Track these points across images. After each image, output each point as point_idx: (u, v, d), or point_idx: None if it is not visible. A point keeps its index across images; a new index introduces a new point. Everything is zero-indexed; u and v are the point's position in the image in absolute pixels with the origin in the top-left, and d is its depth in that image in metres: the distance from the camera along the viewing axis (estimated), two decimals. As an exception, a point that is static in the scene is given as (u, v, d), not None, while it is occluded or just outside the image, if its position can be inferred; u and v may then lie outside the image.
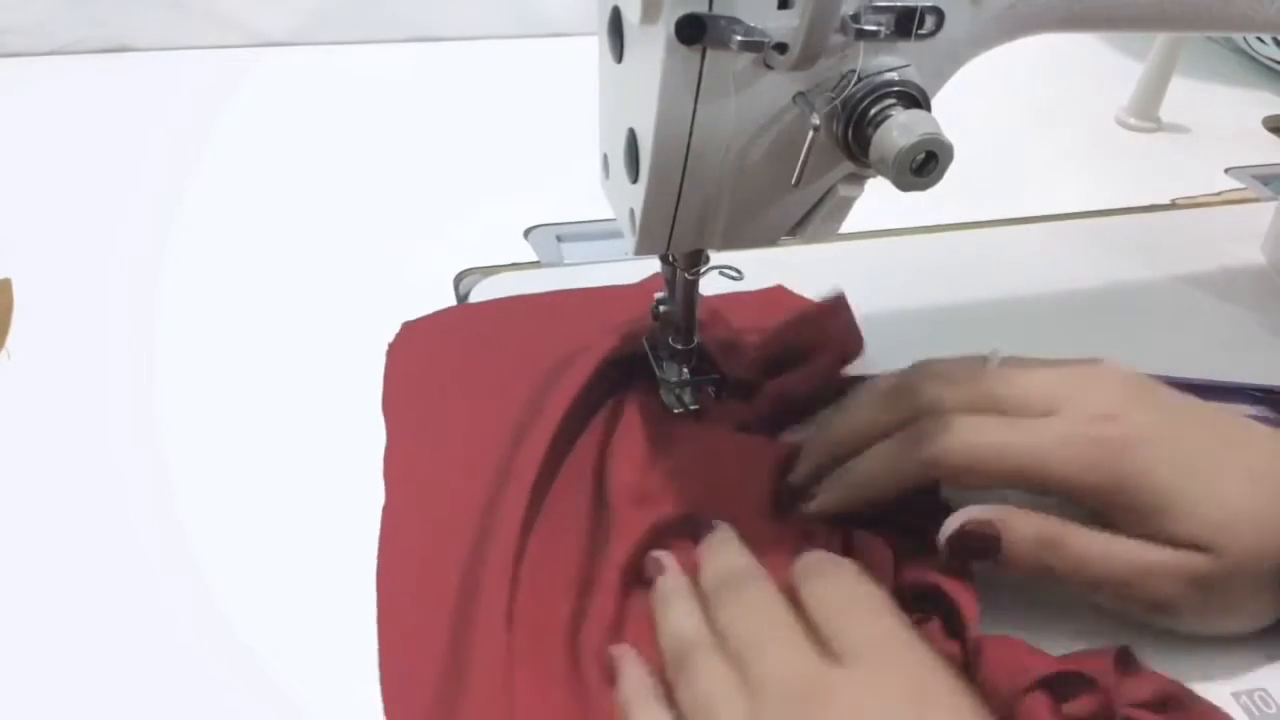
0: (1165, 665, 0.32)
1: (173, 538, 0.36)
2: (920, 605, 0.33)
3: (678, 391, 0.41)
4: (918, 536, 0.34)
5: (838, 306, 0.43)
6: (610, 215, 0.36)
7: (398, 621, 0.33)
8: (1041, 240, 0.55)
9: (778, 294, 0.47)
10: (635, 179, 0.32)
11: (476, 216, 0.54)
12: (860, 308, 0.45)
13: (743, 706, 0.28)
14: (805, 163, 0.29)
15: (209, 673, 0.32)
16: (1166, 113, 0.68)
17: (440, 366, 0.43)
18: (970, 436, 0.33)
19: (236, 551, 0.36)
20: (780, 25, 0.27)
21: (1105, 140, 0.67)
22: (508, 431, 0.39)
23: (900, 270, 0.52)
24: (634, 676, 0.31)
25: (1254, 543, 0.31)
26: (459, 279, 0.49)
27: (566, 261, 0.52)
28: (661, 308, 0.40)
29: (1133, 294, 0.52)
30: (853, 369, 0.43)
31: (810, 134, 0.29)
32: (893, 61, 0.29)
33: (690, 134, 0.30)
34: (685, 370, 0.41)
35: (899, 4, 0.29)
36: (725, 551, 0.34)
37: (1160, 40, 0.65)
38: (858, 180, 0.33)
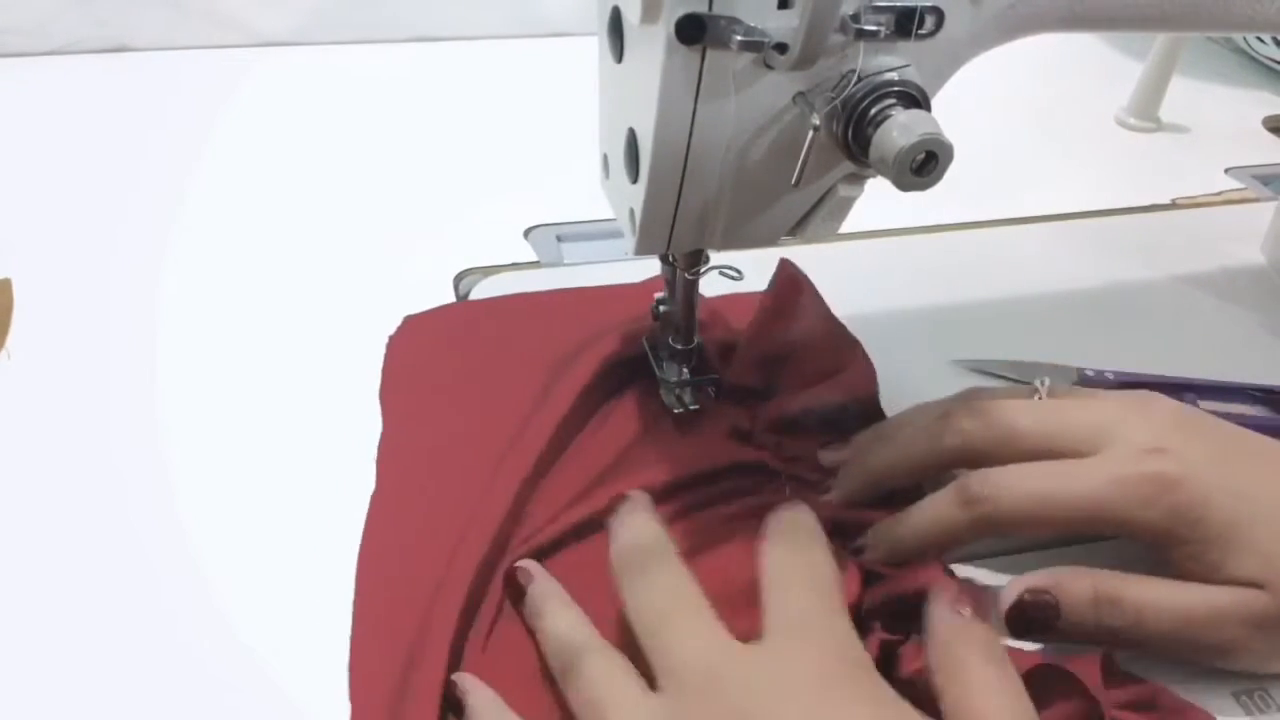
0: (1165, 664, 0.32)
1: (173, 537, 0.36)
2: (899, 624, 0.32)
3: (678, 391, 0.40)
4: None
5: (851, 342, 0.42)
6: (610, 215, 0.36)
7: (372, 610, 0.33)
8: (1041, 240, 0.55)
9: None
10: (635, 179, 0.32)
11: (476, 216, 0.54)
12: (860, 308, 0.45)
13: (636, 698, 0.27)
14: (805, 163, 0.29)
15: (209, 673, 0.32)
16: (1166, 113, 0.68)
17: (439, 361, 0.43)
18: (1023, 488, 0.32)
19: (237, 551, 0.36)
20: (780, 25, 0.27)
21: (1105, 140, 0.67)
22: (504, 429, 0.39)
23: (900, 270, 0.52)
24: (482, 700, 0.30)
25: None
26: (459, 279, 0.49)
27: (566, 261, 0.52)
28: (661, 308, 0.40)
29: (1133, 294, 0.52)
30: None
31: (810, 134, 0.29)
32: (893, 61, 0.29)
33: (690, 134, 0.30)
34: (685, 370, 0.41)
35: (899, 4, 0.29)
36: (633, 524, 0.32)
37: (1160, 40, 0.65)
38: (858, 180, 0.33)
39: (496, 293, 0.48)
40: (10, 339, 0.44)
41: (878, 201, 0.36)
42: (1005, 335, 0.47)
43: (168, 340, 0.45)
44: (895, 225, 0.54)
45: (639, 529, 0.32)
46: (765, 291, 0.42)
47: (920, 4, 0.29)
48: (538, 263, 0.51)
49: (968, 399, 0.36)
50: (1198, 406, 0.43)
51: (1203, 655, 0.32)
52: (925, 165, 0.28)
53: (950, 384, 0.38)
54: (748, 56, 0.28)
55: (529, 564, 0.34)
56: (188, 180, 0.56)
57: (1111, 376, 0.44)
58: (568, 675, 0.30)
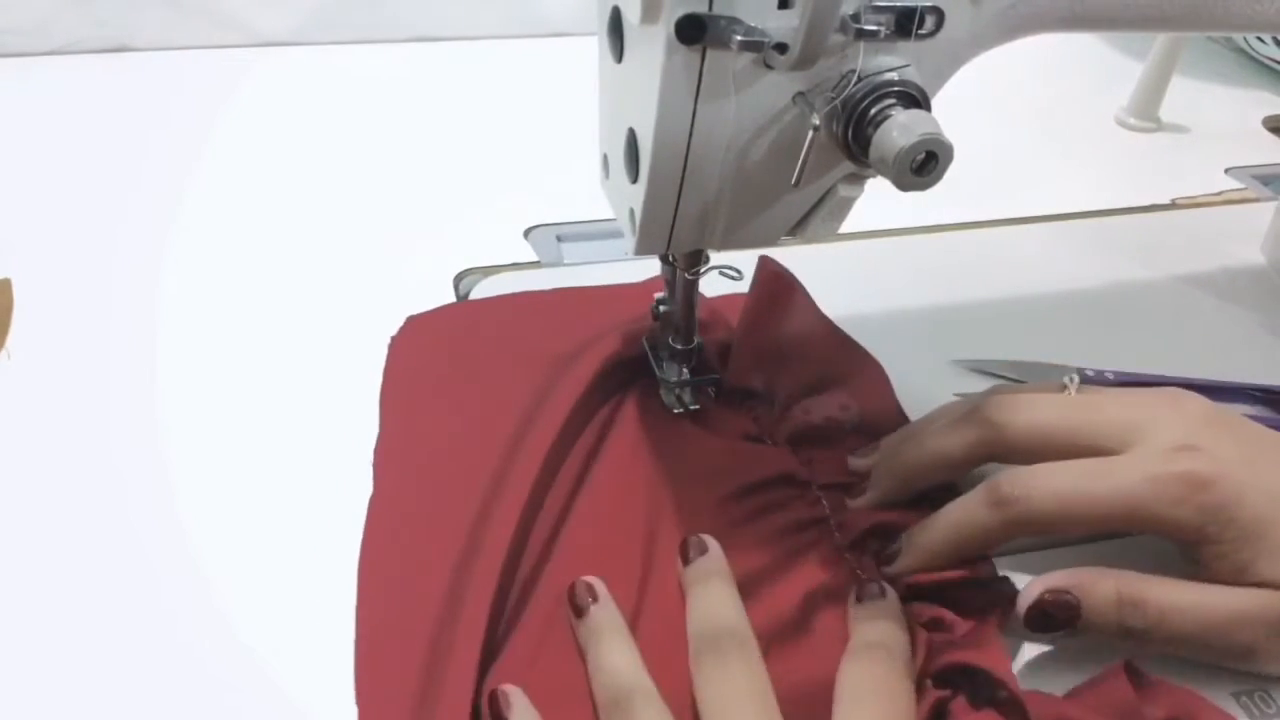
0: (1165, 664, 0.32)
1: (173, 537, 0.36)
2: (945, 681, 0.31)
3: (678, 391, 0.41)
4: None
5: (850, 344, 0.42)
6: (610, 215, 0.36)
7: (377, 615, 0.33)
8: (1041, 240, 0.55)
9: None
10: (635, 179, 0.32)
11: (476, 216, 0.54)
12: (860, 308, 0.45)
13: None
14: (805, 163, 0.29)
15: (209, 673, 0.32)
16: (1166, 113, 0.68)
17: (440, 361, 0.43)
18: (1053, 487, 0.32)
19: (237, 551, 0.36)
20: (780, 25, 0.27)
21: (1105, 140, 0.67)
22: (504, 431, 0.39)
23: (900, 270, 0.52)
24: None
25: None
26: (459, 279, 0.49)
27: (566, 261, 0.52)
28: (661, 308, 0.40)
29: (1133, 294, 0.52)
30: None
31: (810, 134, 0.29)
32: (893, 61, 0.29)
33: (690, 134, 0.30)
34: (685, 370, 0.41)
35: (899, 4, 0.29)
36: (714, 597, 0.32)
37: (1160, 40, 0.65)
38: (858, 180, 0.33)
39: (496, 293, 0.48)
40: (10, 339, 0.44)
41: (878, 201, 0.36)
42: (1005, 335, 0.47)
43: (167, 340, 0.45)
44: (895, 225, 0.54)
45: (720, 605, 0.32)
46: (749, 290, 0.42)
47: (920, 4, 0.29)
48: (538, 263, 0.51)
49: (996, 395, 0.35)
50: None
51: (1224, 657, 0.31)
52: (925, 165, 0.28)
53: (950, 384, 0.38)
54: (748, 56, 0.28)
55: (597, 585, 0.33)
56: (188, 180, 0.56)
57: (1111, 376, 0.44)
58: (614, 712, 0.29)
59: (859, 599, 0.33)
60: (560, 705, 0.30)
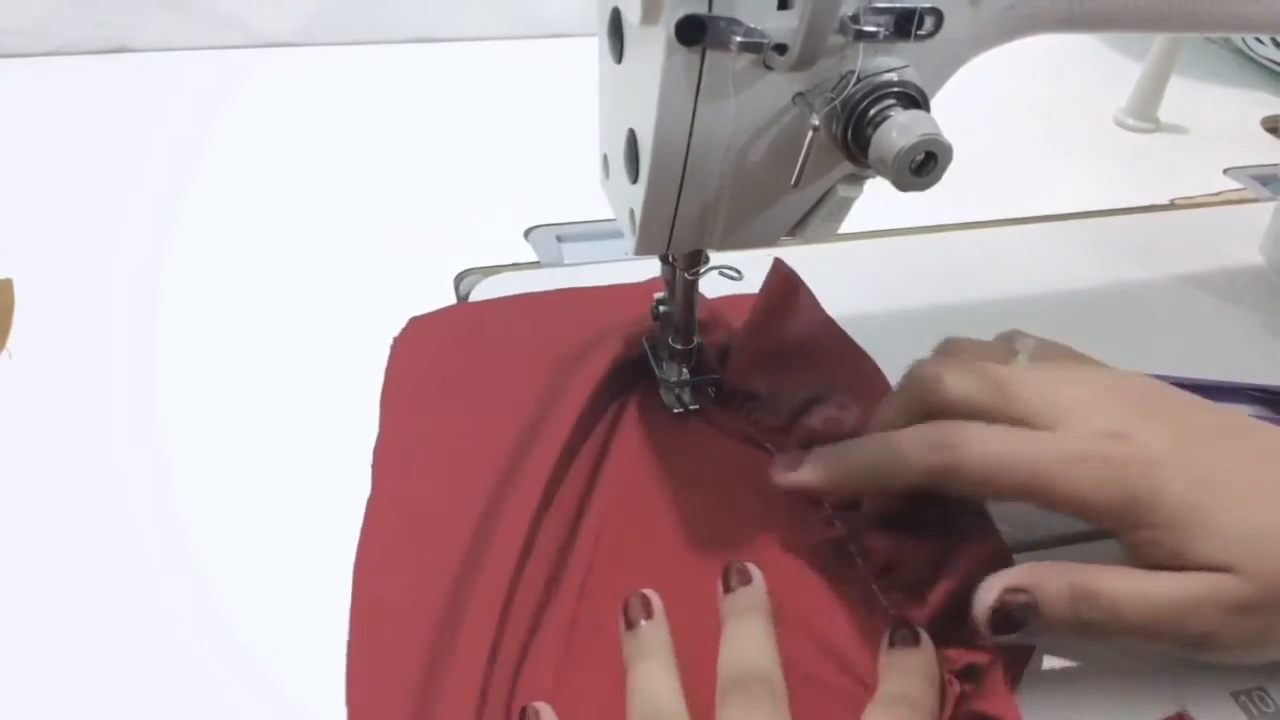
0: (1165, 664, 0.32)
1: (173, 537, 0.36)
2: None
3: (678, 391, 0.41)
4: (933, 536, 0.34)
5: (856, 351, 0.42)
6: (610, 215, 0.36)
7: (371, 617, 0.33)
8: (1041, 240, 0.56)
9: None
10: (635, 179, 0.32)
11: (476, 216, 0.54)
12: (860, 308, 0.45)
13: None
14: (805, 163, 0.29)
15: (209, 673, 0.32)
16: (1165, 113, 0.68)
17: (442, 363, 0.43)
18: (986, 447, 0.32)
19: (237, 551, 0.36)
20: (780, 26, 0.27)
21: (1104, 140, 0.67)
22: (506, 433, 0.39)
23: (900, 270, 0.52)
24: None
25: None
26: (459, 279, 0.49)
27: (566, 261, 0.52)
28: (661, 308, 0.40)
29: (1132, 294, 0.52)
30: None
31: (810, 134, 0.29)
32: (892, 62, 0.29)
33: (690, 134, 0.30)
34: (685, 370, 0.41)
35: (898, 5, 0.29)
36: (755, 640, 0.32)
37: (1159, 41, 0.65)
38: (857, 180, 0.33)
39: (496, 293, 0.48)
40: (10, 339, 0.44)
41: (878, 201, 0.36)
42: (1005, 335, 0.47)
43: (167, 340, 0.45)
44: (895, 225, 0.54)
45: (756, 648, 0.31)
46: (760, 291, 0.42)
47: (920, 5, 0.29)
48: (538, 263, 0.51)
49: (941, 358, 0.35)
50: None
51: (1183, 646, 0.31)
52: (925, 165, 0.28)
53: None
54: (748, 57, 0.28)
55: (655, 601, 0.33)
56: (188, 181, 0.56)
57: (1111, 376, 0.44)
58: None
59: (891, 644, 0.32)
60: (583, 715, 0.30)
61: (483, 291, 0.48)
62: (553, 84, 0.66)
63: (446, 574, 0.34)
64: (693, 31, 0.27)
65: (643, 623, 0.32)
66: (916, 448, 0.32)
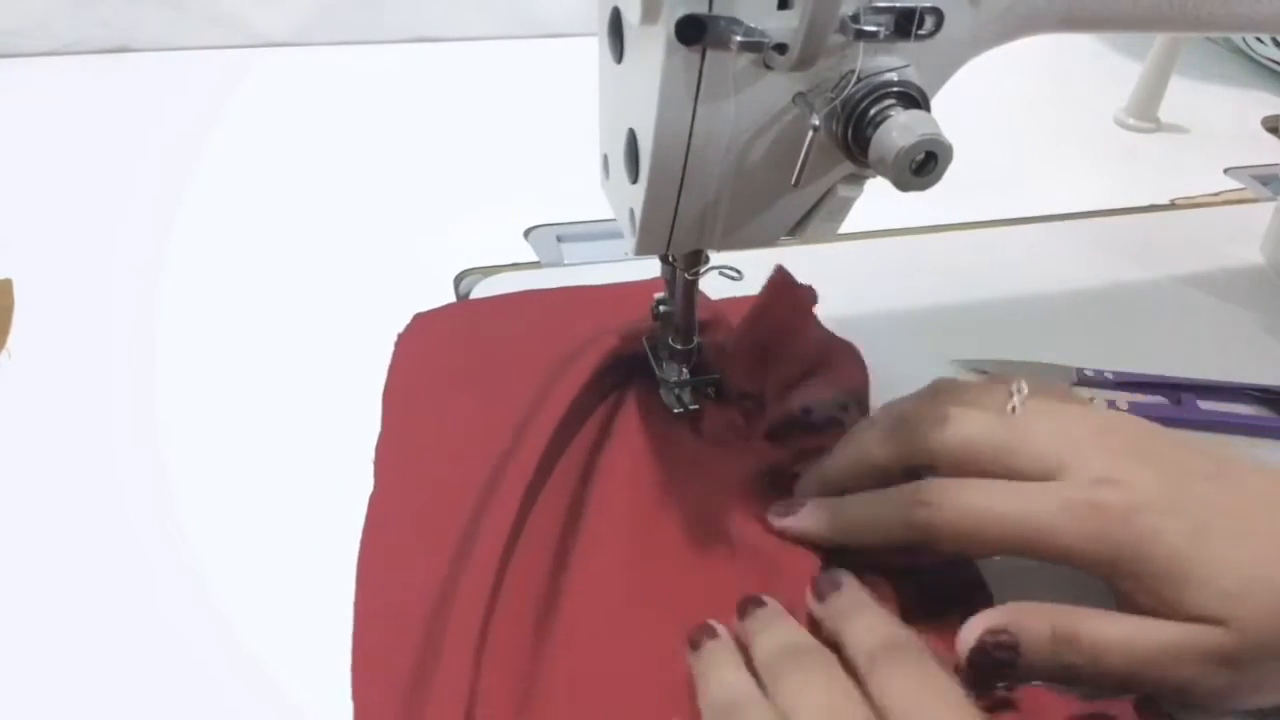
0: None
1: (172, 538, 0.36)
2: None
3: (678, 391, 0.41)
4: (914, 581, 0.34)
5: (845, 344, 0.43)
6: (610, 215, 0.36)
7: (374, 614, 0.33)
8: (1041, 240, 0.56)
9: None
10: (635, 179, 0.32)
11: (476, 216, 0.54)
12: (860, 308, 0.45)
13: None
14: (805, 163, 0.29)
15: (209, 673, 0.32)
16: (1165, 113, 0.68)
17: (444, 360, 0.43)
18: (966, 501, 0.31)
19: (237, 551, 0.36)
20: (780, 25, 0.27)
21: (1105, 140, 0.67)
22: (505, 430, 0.39)
23: (900, 270, 0.52)
24: None
25: (1272, 611, 0.29)
26: (459, 279, 0.49)
27: (566, 261, 0.52)
28: (661, 308, 0.40)
29: (1132, 294, 0.52)
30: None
31: (810, 134, 0.29)
32: (892, 62, 0.29)
33: (690, 134, 0.30)
34: (685, 370, 0.41)
35: (898, 4, 0.29)
36: (879, 619, 0.31)
37: (1159, 41, 0.66)
38: (857, 180, 0.33)
39: (496, 293, 0.48)
40: (10, 339, 0.44)
41: (878, 201, 0.36)
42: (1005, 335, 0.47)
43: (167, 340, 0.45)
44: (895, 225, 0.54)
45: (885, 623, 0.31)
46: (758, 297, 0.42)
47: (920, 4, 0.29)
48: (538, 263, 0.51)
49: (934, 400, 0.35)
50: (1197, 407, 0.43)
51: (1164, 692, 0.30)
52: (925, 165, 0.28)
53: (950, 384, 0.38)
54: (748, 57, 0.28)
55: (718, 626, 0.32)
56: (188, 180, 0.56)
57: (1111, 376, 0.44)
58: (732, 714, 0.29)
59: (819, 598, 0.32)
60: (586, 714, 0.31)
61: (483, 291, 0.48)
62: (553, 84, 0.66)
63: (445, 570, 0.34)
64: (693, 31, 0.27)
65: (708, 642, 0.32)
66: (896, 508, 0.32)
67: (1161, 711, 0.30)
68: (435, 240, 0.52)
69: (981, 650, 0.30)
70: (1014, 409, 0.34)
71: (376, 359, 0.43)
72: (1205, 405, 0.44)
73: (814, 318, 0.43)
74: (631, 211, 0.33)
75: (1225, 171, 0.64)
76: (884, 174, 0.28)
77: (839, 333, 0.44)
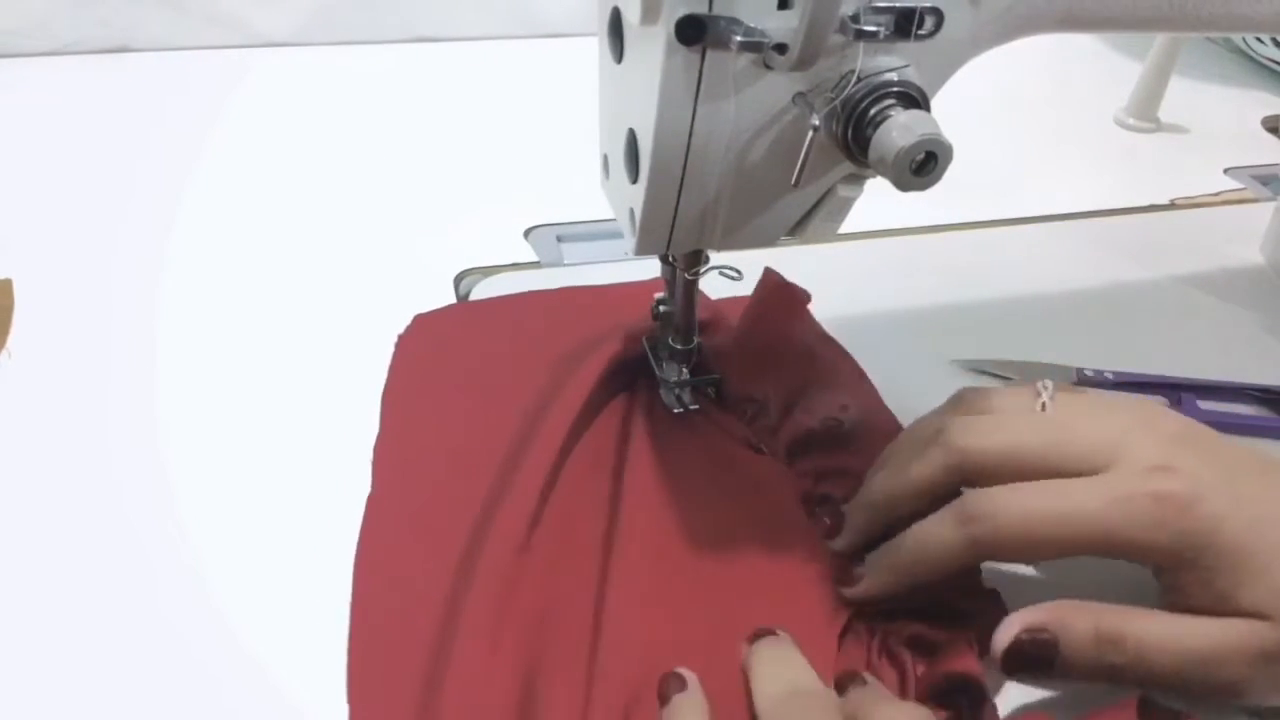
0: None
1: (172, 538, 0.36)
2: (946, 699, 0.31)
3: (678, 391, 0.41)
4: (949, 619, 0.33)
5: (840, 351, 0.43)
6: (610, 215, 0.36)
7: (371, 615, 0.33)
8: (1041, 240, 0.56)
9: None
10: (635, 179, 0.32)
11: (476, 216, 0.54)
12: (860, 308, 0.45)
13: None
14: (805, 163, 0.29)
15: (208, 673, 0.32)
16: (1165, 113, 0.68)
17: (443, 361, 0.43)
18: (1022, 507, 0.30)
19: (237, 551, 0.36)
20: (780, 25, 0.27)
21: (1104, 140, 0.67)
22: (506, 432, 0.39)
23: (900, 270, 0.52)
24: None
25: None
26: (459, 279, 0.49)
27: (566, 261, 0.52)
28: (661, 308, 0.40)
29: (1132, 294, 0.52)
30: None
31: (810, 134, 0.29)
32: (892, 62, 0.29)
33: (690, 134, 0.30)
34: (685, 370, 0.41)
35: (898, 4, 0.29)
36: (789, 666, 0.31)
37: (1159, 41, 0.66)
38: (857, 180, 0.33)
39: (496, 293, 0.48)
40: (10, 339, 0.44)
41: (878, 201, 0.36)
42: (1005, 335, 0.47)
43: (167, 340, 0.45)
44: (895, 225, 0.54)
45: (797, 669, 0.31)
46: (750, 299, 0.41)
47: (920, 4, 0.29)
48: (538, 263, 0.51)
49: (964, 409, 0.34)
50: (1197, 407, 0.43)
51: (1209, 692, 0.30)
52: (925, 165, 0.28)
53: (950, 384, 0.38)
54: (748, 57, 0.28)
55: (686, 673, 0.31)
56: (188, 180, 0.56)
57: (1111, 376, 0.44)
58: None
59: (839, 690, 0.31)
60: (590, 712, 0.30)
61: (483, 291, 0.48)
62: (553, 84, 0.66)
63: (446, 572, 0.34)
64: (693, 31, 0.27)
65: (676, 696, 0.30)
66: (950, 530, 0.31)
67: (1164, 708, 0.30)
68: (435, 240, 0.52)
69: (1018, 648, 0.30)
70: (1044, 406, 0.33)
71: (376, 359, 0.43)
72: (1205, 405, 0.44)
73: (809, 316, 0.43)
74: (631, 211, 0.33)
75: (1225, 171, 0.64)
76: (884, 174, 0.28)
77: (838, 333, 0.44)
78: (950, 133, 0.28)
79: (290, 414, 0.41)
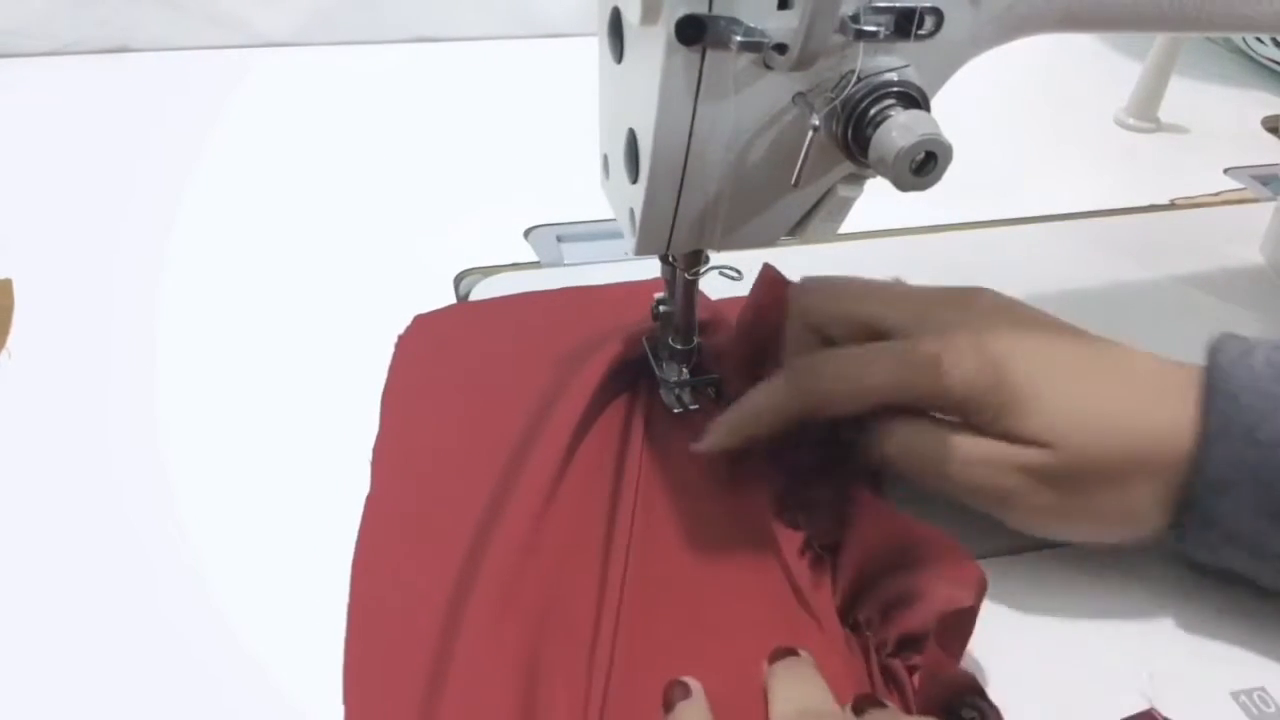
0: (1164, 665, 0.32)
1: (172, 538, 0.36)
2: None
3: (678, 391, 0.41)
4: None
5: None
6: (610, 215, 0.36)
7: (368, 614, 0.33)
8: (1041, 240, 0.56)
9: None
10: (635, 179, 0.32)
11: (476, 216, 0.54)
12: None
13: None
14: (805, 163, 0.29)
15: (208, 673, 0.32)
16: (1166, 113, 0.68)
17: (443, 361, 0.43)
18: (837, 364, 0.35)
19: (236, 550, 0.36)
20: (780, 25, 0.27)
21: (1105, 140, 0.67)
22: (507, 433, 0.39)
23: (900, 270, 0.51)
24: None
25: (1095, 438, 0.32)
26: (459, 279, 0.49)
27: (566, 261, 0.52)
28: (661, 308, 0.40)
29: (1132, 294, 0.52)
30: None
31: (810, 134, 0.29)
32: (892, 62, 0.29)
33: (690, 134, 0.30)
34: (685, 370, 0.41)
35: (898, 4, 0.29)
36: (806, 686, 0.31)
37: (1159, 40, 0.65)
38: (857, 180, 0.33)
39: (496, 293, 0.48)
40: (10, 339, 0.44)
41: (878, 201, 0.36)
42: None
43: (167, 340, 0.45)
44: (895, 225, 0.54)
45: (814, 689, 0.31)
46: (749, 296, 0.41)
47: (920, 4, 0.29)
48: (538, 263, 0.51)
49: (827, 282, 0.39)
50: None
51: (992, 504, 0.34)
52: (925, 165, 0.28)
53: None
54: (748, 57, 0.28)
55: (691, 682, 0.31)
56: (188, 180, 0.56)
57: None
58: None
59: (857, 712, 0.30)
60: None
61: (483, 291, 0.48)
62: (553, 84, 0.66)
63: (445, 573, 0.34)
64: (693, 31, 0.27)
65: (680, 703, 0.31)
66: (781, 386, 0.36)
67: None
68: (435, 240, 0.52)
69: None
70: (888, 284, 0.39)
71: (376, 359, 0.43)
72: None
73: None
74: (631, 211, 0.33)
75: (1225, 171, 0.64)
76: (884, 174, 0.28)
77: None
78: (950, 133, 0.28)
79: (290, 414, 0.41)
